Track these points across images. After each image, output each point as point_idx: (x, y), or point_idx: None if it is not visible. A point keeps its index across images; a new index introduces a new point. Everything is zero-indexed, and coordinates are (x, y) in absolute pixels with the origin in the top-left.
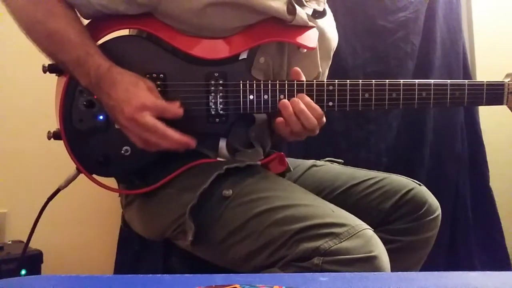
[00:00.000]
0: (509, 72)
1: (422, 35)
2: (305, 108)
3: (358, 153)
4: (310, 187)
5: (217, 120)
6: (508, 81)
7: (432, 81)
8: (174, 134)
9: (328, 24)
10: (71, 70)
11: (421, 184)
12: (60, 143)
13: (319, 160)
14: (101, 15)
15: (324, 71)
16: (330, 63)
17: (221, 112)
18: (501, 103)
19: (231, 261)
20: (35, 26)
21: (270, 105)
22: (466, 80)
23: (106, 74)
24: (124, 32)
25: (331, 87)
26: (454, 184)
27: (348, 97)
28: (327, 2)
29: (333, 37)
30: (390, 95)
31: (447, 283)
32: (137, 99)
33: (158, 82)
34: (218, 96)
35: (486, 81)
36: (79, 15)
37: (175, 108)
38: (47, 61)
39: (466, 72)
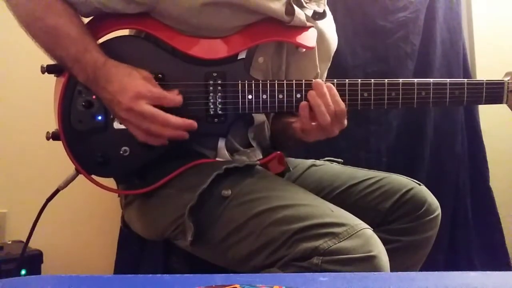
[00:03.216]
0: (508, 70)
1: (422, 35)
2: (337, 93)
3: (358, 153)
4: (309, 187)
5: (216, 120)
6: (508, 80)
7: (431, 80)
8: (175, 119)
9: (328, 25)
10: (69, 66)
11: (421, 184)
12: (60, 144)
13: (318, 159)
14: (100, 13)
15: (322, 73)
16: (329, 65)
17: (220, 112)
18: (500, 102)
19: (231, 261)
20: (34, 22)
21: (269, 105)
22: (466, 79)
23: (102, 69)
24: (123, 32)
25: None
26: (454, 184)
27: (347, 96)
28: (327, 2)
29: (333, 39)
30: (389, 95)
31: (447, 283)
32: (131, 88)
33: (157, 82)
34: (217, 96)
35: (486, 80)
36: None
37: (173, 95)
38: (47, 62)
39: (466, 72)
